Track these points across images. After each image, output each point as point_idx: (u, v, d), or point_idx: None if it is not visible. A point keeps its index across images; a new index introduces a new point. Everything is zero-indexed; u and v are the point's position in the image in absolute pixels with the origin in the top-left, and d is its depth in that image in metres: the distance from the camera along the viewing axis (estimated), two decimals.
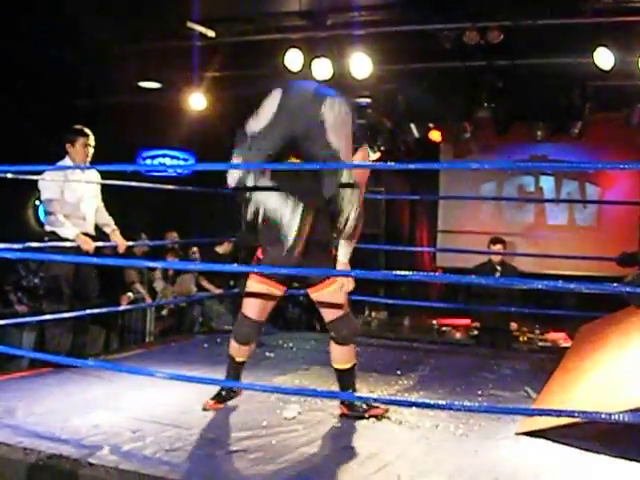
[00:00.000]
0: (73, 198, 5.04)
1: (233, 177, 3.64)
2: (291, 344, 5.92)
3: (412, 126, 9.32)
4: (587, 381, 3.62)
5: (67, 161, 5.11)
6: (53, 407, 3.79)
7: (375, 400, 3.93)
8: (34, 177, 4.96)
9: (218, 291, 7.59)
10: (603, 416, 2.74)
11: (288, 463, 3.07)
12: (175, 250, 8.73)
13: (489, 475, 2.99)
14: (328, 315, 3.75)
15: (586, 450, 3.24)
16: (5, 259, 4.43)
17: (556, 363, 4.32)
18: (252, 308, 3.79)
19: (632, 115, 8.21)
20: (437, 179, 10.91)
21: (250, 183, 3.57)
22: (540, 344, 8.33)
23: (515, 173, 10.67)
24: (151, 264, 7.77)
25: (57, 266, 4.95)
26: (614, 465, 3.10)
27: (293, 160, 3.60)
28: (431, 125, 9.56)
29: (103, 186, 5.34)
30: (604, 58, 6.77)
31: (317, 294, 3.73)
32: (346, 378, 3.82)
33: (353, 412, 3.76)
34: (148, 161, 11.03)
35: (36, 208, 9.83)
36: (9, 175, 4.41)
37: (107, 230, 5.37)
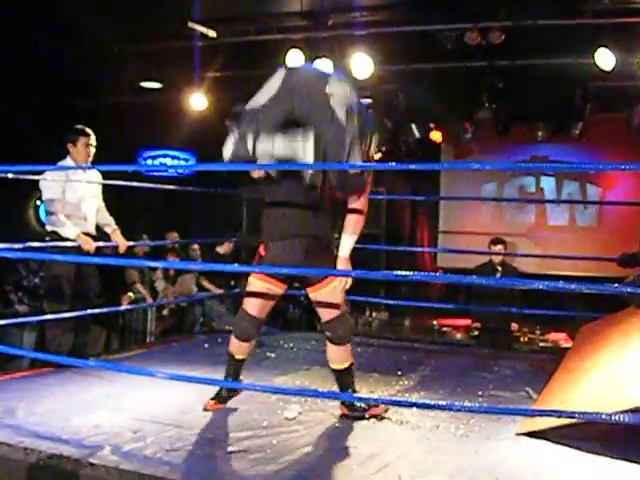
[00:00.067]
0: (74, 198, 5.04)
1: (228, 150, 3.63)
2: (292, 344, 5.92)
3: (413, 126, 9.32)
4: (587, 382, 3.62)
5: (68, 161, 5.11)
6: (54, 407, 3.80)
7: (376, 401, 3.93)
8: (35, 177, 4.96)
9: (219, 291, 7.59)
10: (603, 417, 2.74)
11: (289, 463, 3.08)
12: (176, 250, 8.74)
13: (489, 475, 2.99)
14: (325, 315, 3.75)
15: (586, 451, 3.24)
16: (5, 259, 4.43)
17: (557, 364, 4.32)
18: (253, 305, 3.81)
19: (633, 116, 8.21)
20: (438, 179, 10.90)
21: (247, 151, 3.55)
22: (541, 345, 8.32)
23: (516, 174, 10.66)
24: (152, 264, 7.78)
25: (58, 266, 4.95)
26: (614, 466, 3.10)
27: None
28: (432, 125, 9.56)
29: (104, 186, 5.35)
30: (605, 59, 6.77)
31: (315, 294, 3.73)
32: (344, 378, 3.82)
33: (353, 412, 3.76)
34: (149, 161, 11.04)
35: (37, 208, 9.85)
36: (10, 175, 4.41)
37: (108, 230, 5.37)
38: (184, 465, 3.02)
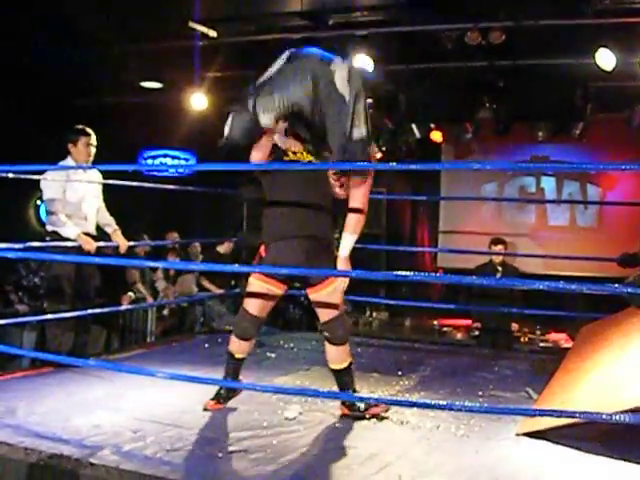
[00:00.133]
0: (75, 198, 5.04)
1: (227, 126, 3.65)
2: (292, 344, 5.92)
3: (413, 126, 9.33)
4: (588, 382, 3.62)
5: (69, 161, 5.11)
6: (54, 407, 3.80)
7: (376, 400, 3.92)
8: (35, 177, 4.96)
9: (219, 291, 7.59)
10: (604, 417, 2.74)
11: (289, 463, 3.08)
12: (176, 250, 8.74)
13: (490, 476, 2.99)
14: (323, 316, 3.75)
15: (587, 451, 3.24)
16: (6, 259, 4.43)
17: (557, 364, 4.32)
18: (253, 304, 3.81)
19: (633, 116, 8.22)
20: (438, 179, 10.90)
21: (249, 116, 3.55)
22: (541, 345, 8.33)
23: (516, 174, 10.67)
24: (152, 264, 7.78)
25: (59, 266, 4.95)
26: (615, 466, 3.10)
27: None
28: (432, 125, 9.57)
29: (104, 186, 5.35)
30: (606, 59, 6.77)
31: (316, 294, 3.73)
32: (344, 378, 3.82)
33: (354, 412, 3.76)
34: (149, 161, 11.05)
35: (37, 208, 9.85)
36: (10, 175, 4.41)
37: (108, 230, 5.37)
38: (184, 465, 3.02)
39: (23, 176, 4.83)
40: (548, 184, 10.64)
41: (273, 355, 5.46)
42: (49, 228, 5.04)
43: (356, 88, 3.53)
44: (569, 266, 9.02)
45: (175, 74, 8.90)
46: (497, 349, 6.56)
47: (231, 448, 3.24)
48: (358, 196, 3.64)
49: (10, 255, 4.35)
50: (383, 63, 7.65)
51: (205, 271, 7.74)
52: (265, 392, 3.97)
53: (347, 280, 3.72)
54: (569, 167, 9.29)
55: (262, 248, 3.83)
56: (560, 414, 2.97)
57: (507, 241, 7.27)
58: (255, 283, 3.77)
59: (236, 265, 6.60)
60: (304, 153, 3.78)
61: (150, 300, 8.04)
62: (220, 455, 3.14)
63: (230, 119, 3.68)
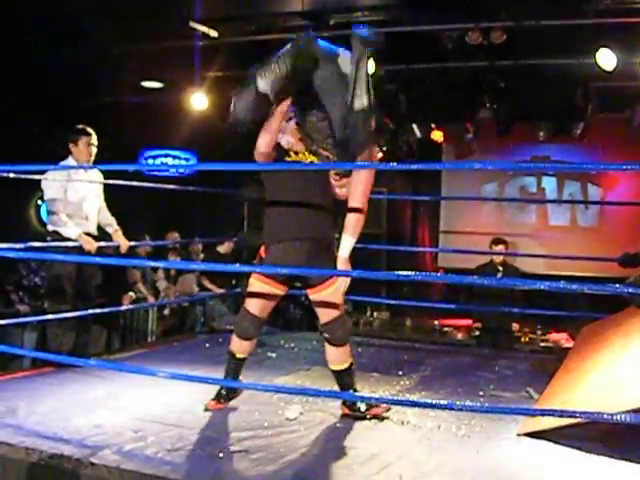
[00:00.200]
0: (76, 198, 5.04)
1: (232, 107, 3.59)
2: (293, 344, 5.92)
3: (414, 126, 9.33)
4: (588, 382, 3.62)
5: (70, 161, 5.11)
6: (55, 407, 3.80)
7: (377, 400, 3.92)
8: (36, 177, 4.96)
9: (220, 291, 7.59)
10: (605, 417, 2.74)
11: (289, 463, 3.08)
12: (177, 249, 8.74)
13: (490, 476, 2.99)
14: (324, 316, 3.74)
15: (588, 451, 3.24)
16: (6, 258, 4.43)
17: (557, 364, 4.32)
18: (254, 305, 3.81)
19: (634, 116, 8.21)
20: (439, 179, 10.90)
21: (255, 85, 3.50)
22: (542, 345, 8.32)
23: (517, 174, 10.67)
24: (153, 264, 7.78)
25: (60, 266, 4.96)
26: (616, 466, 3.10)
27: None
28: (433, 125, 9.57)
29: (105, 186, 5.35)
30: (606, 59, 6.76)
31: (316, 295, 3.73)
32: (345, 378, 3.82)
33: (354, 412, 3.76)
34: (150, 161, 11.05)
35: (38, 208, 9.85)
36: (11, 175, 4.41)
37: (109, 230, 5.37)
38: (185, 465, 3.02)
39: (24, 176, 4.83)
40: (549, 184, 10.64)
41: (274, 355, 5.47)
42: (50, 228, 5.04)
43: (358, 52, 3.41)
44: (570, 266, 9.02)
45: (176, 74, 8.89)
46: (498, 349, 6.56)
47: (232, 448, 3.24)
48: (358, 195, 3.61)
49: (11, 255, 4.36)
50: (383, 63, 7.64)
51: (206, 271, 7.75)
52: (266, 392, 3.98)
53: (348, 281, 3.71)
54: (570, 167, 9.28)
55: (262, 249, 3.82)
56: (561, 414, 2.97)
57: (508, 241, 7.27)
58: (255, 284, 3.77)
59: (237, 265, 6.60)
60: (306, 154, 3.77)
61: (151, 300, 8.05)
62: (221, 455, 3.14)
63: (233, 100, 3.63)
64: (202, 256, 8.59)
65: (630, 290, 2.93)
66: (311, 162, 3.76)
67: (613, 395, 3.23)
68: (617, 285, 2.96)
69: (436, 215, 11.23)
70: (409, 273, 3.07)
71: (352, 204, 3.61)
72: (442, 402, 3.27)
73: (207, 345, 5.86)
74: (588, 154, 9.75)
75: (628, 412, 2.76)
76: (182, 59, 8.34)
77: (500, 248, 6.99)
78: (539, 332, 8.62)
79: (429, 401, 3.83)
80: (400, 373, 4.89)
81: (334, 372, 3.83)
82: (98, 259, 4.81)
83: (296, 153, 3.77)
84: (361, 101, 3.39)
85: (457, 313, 8.88)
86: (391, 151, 9.19)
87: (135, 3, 7.23)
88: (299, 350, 5.73)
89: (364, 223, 3.66)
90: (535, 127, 9.17)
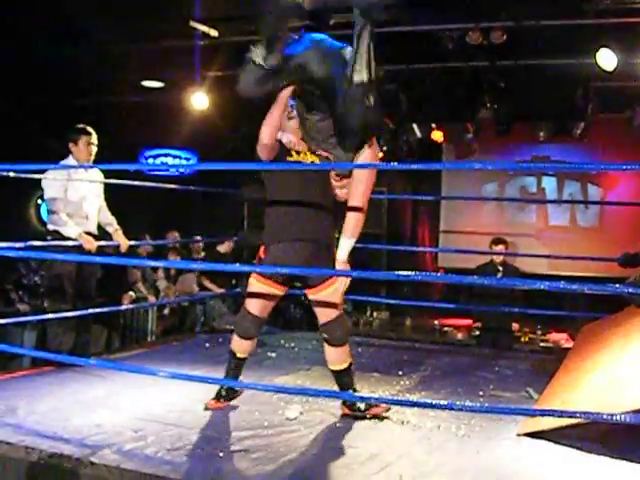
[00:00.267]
0: (76, 197, 5.04)
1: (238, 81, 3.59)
2: (293, 344, 5.92)
3: (414, 126, 9.33)
4: (588, 382, 3.62)
5: (70, 160, 5.11)
6: (54, 406, 3.80)
7: (377, 400, 3.92)
8: (36, 176, 4.96)
9: (220, 290, 7.60)
10: (605, 417, 2.73)
11: (289, 463, 3.08)
12: (177, 249, 8.74)
13: (490, 476, 2.99)
14: (323, 317, 3.74)
15: (588, 451, 3.24)
16: (6, 258, 4.43)
17: (557, 364, 4.32)
18: (254, 305, 3.81)
19: (635, 116, 8.21)
20: (439, 179, 10.91)
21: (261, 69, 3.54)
22: (542, 345, 8.32)
23: (517, 174, 10.67)
24: (153, 264, 7.78)
25: (60, 265, 4.95)
26: (615, 466, 3.10)
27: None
28: (433, 125, 9.57)
29: (105, 185, 5.35)
30: (607, 59, 6.77)
31: (315, 295, 3.73)
32: (344, 378, 3.82)
33: (354, 412, 3.76)
34: (150, 160, 11.06)
35: (38, 207, 9.86)
36: (11, 174, 4.41)
37: (110, 230, 5.37)
38: (185, 464, 3.02)
39: (24, 175, 4.83)
40: (549, 184, 10.64)
41: (274, 355, 5.46)
42: (50, 227, 5.04)
43: (359, 25, 3.31)
44: (570, 266, 9.03)
45: (176, 73, 8.90)
46: (498, 349, 6.56)
47: (232, 448, 3.24)
48: (358, 196, 3.58)
49: (11, 254, 4.35)
50: (384, 63, 7.64)
51: (206, 270, 7.75)
52: (266, 392, 3.98)
53: (347, 281, 3.70)
54: (570, 167, 9.30)
55: (261, 249, 3.82)
56: (561, 414, 2.97)
57: (508, 241, 7.27)
58: (255, 284, 3.76)
59: (237, 265, 6.60)
60: (307, 153, 3.77)
61: (151, 299, 8.05)
62: (221, 454, 3.14)
63: (240, 75, 3.61)
64: (202, 254, 8.59)
65: (630, 290, 2.93)
66: (312, 162, 3.76)
67: (613, 395, 3.23)
68: (617, 285, 2.96)
69: (436, 215, 11.24)
70: (409, 273, 3.07)
71: (352, 204, 3.59)
72: (442, 402, 3.26)
73: (207, 345, 5.85)
74: (588, 154, 9.76)
75: (628, 412, 2.76)
76: (182, 59, 8.35)
77: (500, 248, 6.98)
78: (539, 332, 8.62)
79: (429, 401, 3.82)
80: (400, 373, 4.89)
81: (333, 372, 3.83)
82: (98, 258, 4.81)
83: (298, 153, 3.77)
84: (361, 75, 3.31)
85: (457, 313, 8.88)
86: (391, 151, 9.20)
87: (135, 3, 7.24)
88: (299, 350, 5.73)
89: (364, 223, 3.64)
90: (535, 127, 9.18)
